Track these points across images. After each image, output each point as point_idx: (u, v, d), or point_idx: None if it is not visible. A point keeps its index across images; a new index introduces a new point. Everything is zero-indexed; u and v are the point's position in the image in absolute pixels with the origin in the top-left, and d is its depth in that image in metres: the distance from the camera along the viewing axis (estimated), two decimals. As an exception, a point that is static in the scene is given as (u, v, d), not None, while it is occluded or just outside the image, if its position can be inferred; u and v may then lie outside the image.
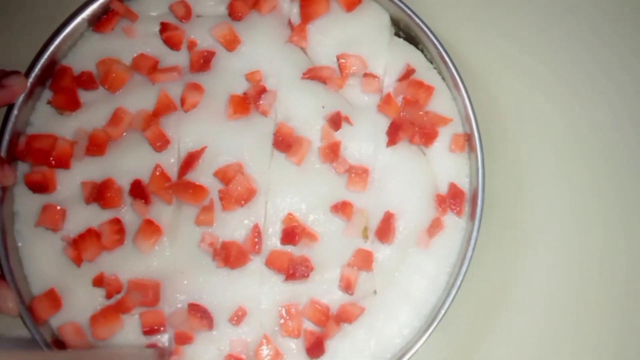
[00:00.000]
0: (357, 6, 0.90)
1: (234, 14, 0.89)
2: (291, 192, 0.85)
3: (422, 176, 0.87)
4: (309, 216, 0.85)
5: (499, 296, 0.91)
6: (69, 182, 0.86)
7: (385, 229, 0.85)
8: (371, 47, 0.89)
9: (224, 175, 0.84)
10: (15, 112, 0.85)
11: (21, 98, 0.85)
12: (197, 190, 0.84)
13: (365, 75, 0.88)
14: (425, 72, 0.90)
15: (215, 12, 0.91)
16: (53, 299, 0.83)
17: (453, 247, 0.86)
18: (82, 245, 0.84)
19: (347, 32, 0.90)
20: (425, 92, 0.88)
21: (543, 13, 0.96)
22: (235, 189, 0.83)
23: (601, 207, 0.93)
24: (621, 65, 0.96)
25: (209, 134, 0.85)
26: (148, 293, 0.82)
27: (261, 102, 0.86)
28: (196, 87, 0.86)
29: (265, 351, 0.83)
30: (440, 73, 0.90)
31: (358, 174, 0.86)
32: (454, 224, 0.87)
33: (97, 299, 0.84)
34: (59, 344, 0.83)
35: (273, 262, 0.84)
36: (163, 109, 0.86)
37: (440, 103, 0.89)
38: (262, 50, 0.88)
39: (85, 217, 0.85)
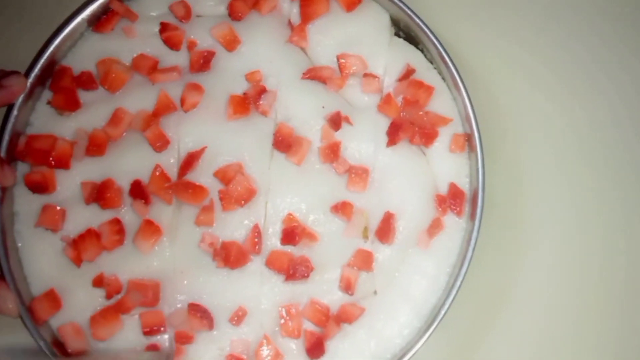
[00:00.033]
0: (357, 6, 0.90)
1: (233, 14, 0.89)
2: (291, 192, 0.85)
3: (422, 176, 0.87)
4: (309, 216, 0.85)
5: (499, 296, 0.91)
6: (69, 183, 0.86)
7: (385, 229, 0.85)
8: (371, 47, 0.89)
9: (224, 176, 0.84)
10: (15, 112, 0.85)
11: (21, 98, 0.85)
12: (197, 191, 0.84)
13: (365, 75, 0.88)
14: (425, 72, 0.90)
15: (215, 12, 0.91)
16: (53, 299, 0.83)
17: (453, 248, 0.86)
18: (82, 246, 0.83)
19: (347, 32, 0.90)
20: (425, 92, 0.88)
21: (543, 13, 0.96)
22: (235, 189, 0.83)
23: (601, 207, 0.93)
24: (621, 65, 0.96)
25: (209, 134, 0.85)
26: (148, 293, 0.82)
27: (261, 102, 0.86)
28: (196, 87, 0.86)
29: (265, 351, 0.83)
30: (440, 73, 0.90)
31: (358, 174, 0.86)
32: (454, 224, 0.87)
33: (97, 300, 0.84)
34: (59, 344, 0.83)
35: (273, 263, 0.84)
36: (163, 109, 0.86)
37: (440, 103, 0.89)
38: (262, 50, 0.88)
39: (85, 217, 0.85)
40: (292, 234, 0.84)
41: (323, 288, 0.85)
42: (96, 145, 0.86)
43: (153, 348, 0.83)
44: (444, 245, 0.86)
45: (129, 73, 0.88)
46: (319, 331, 0.84)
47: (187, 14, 0.89)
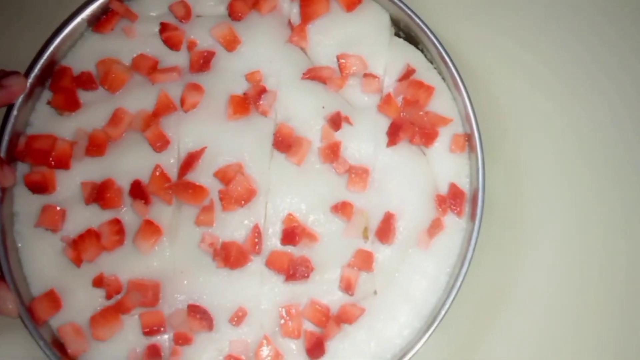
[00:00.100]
0: (357, 6, 0.90)
1: (233, 14, 0.89)
2: (291, 193, 0.85)
3: (422, 176, 0.87)
4: (309, 216, 0.85)
5: (499, 296, 0.91)
6: (69, 183, 0.86)
7: (385, 230, 0.85)
8: (371, 47, 0.89)
9: (224, 176, 0.84)
10: (14, 112, 0.85)
11: (21, 98, 0.85)
12: (197, 191, 0.84)
13: (365, 75, 0.88)
14: (426, 72, 0.90)
15: (215, 12, 0.90)
16: (53, 299, 0.83)
17: (453, 248, 0.86)
18: (81, 246, 0.83)
19: (347, 32, 0.90)
20: (426, 92, 0.88)
21: (543, 13, 0.96)
22: (235, 189, 0.83)
23: (601, 207, 0.93)
24: (621, 65, 0.96)
25: (209, 134, 0.85)
26: (148, 293, 0.82)
27: (261, 102, 0.86)
28: (196, 88, 0.86)
29: (265, 352, 0.83)
30: (440, 73, 0.90)
31: (358, 174, 0.86)
32: (454, 224, 0.87)
33: (96, 300, 0.84)
34: (59, 344, 0.83)
35: (273, 263, 0.84)
36: (163, 109, 0.86)
37: (441, 103, 0.89)
38: (262, 50, 0.88)
39: (85, 217, 0.85)
40: (292, 234, 0.84)
41: (323, 288, 0.85)
42: (96, 146, 0.86)
43: (153, 348, 0.83)
44: (444, 246, 0.86)
45: (128, 73, 0.88)
46: (319, 331, 0.83)
47: (187, 14, 0.89)
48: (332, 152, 0.86)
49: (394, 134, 0.87)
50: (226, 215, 0.84)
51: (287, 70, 0.88)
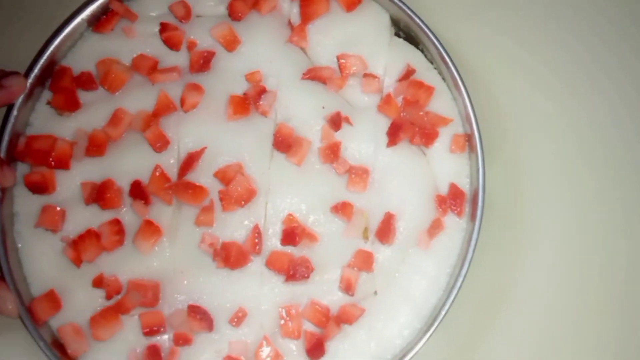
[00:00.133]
0: (357, 6, 0.90)
1: (233, 14, 0.89)
2: (291, 193, 0.85)
3: (422, 177, 0.87)
4: (309, 217, 0.85)
5: (499, 297, 0.91)
6: (69, 183, 0.86)
7: (385, 230, 0.85)
8: (371, 47, 0.89)
9: (224, 176, 0.84)
10: (14, 112, 0.85)
11: (21, 98, 0.85)
12: (197, 191, 0.84)
13: (366, 75, 0.88)
14: (426, 72, 0.90)
15: (215, 12, 0.90)
16: (53, 300, 0.83)
17: (453, 248, 0.86)
18: (81, 246, 0.83)
19: (347, 32, 0.89)
20: (426, 93, 0.88)
21: (543, 13, 0.96)
22: (235, 189, 0.83)
23: (601, 207, 0.93)
24: (621, 65, 0.96)
25: (209, 134, 0.85)
26: (148, 293, 0.82)
27: (261, 102, 0.86)
28: (196, 88, 0.86)
29: (265, 352, 0.83)
30: (440, 73, 0.90)
31: (358, 175, 0.86)
32: (455, 225, 0.87)
33: (96, 300, 0.84)
34: (59, 345, 0.83)
35: (273, 263, 0.83)
36: (163, 109, 0.86)
37: (441, 103, 0.89)
38: (262, 50, 0.88)
39: (85, 217, 0.85)
40: (292, 234, 0.84)
41: (323, 289, 0.84)
42: (96, 146, 0.86)
43: (153, 348, 0.83)
44: (444, 246, 0.86)
45: (128, 73, 0.88)
46: (319, 332, 0.83)
47: (187, 14, 0.89)
48: (332, 153, 0.86)
49: (394, 134, 0.87)
50: (226, 216, 0.84)
51: (287, 70, 0.88)
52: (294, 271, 0.83)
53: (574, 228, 0.93)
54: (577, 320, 0.91)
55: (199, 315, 0.82)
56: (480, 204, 0.85)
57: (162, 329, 0.83)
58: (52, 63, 0.88)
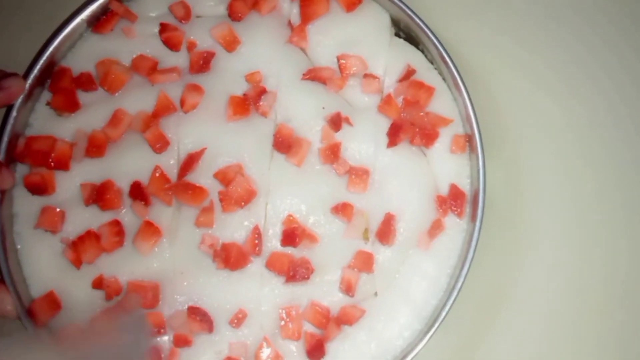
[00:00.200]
0: (357, 6, 0.89)
1: (233, 15, 0.89)
2: (291, 194, 0.85)
3: (422, 177, 0.87)
4: (309, 218, 0.85)
5: (499, 297, 0.91)
6: (68, 184, 0.86)
7: (385, 231, 0.85)
8: (371, 48, 0.89)
9: (224, 177, 0.84)
10: (14, 113, 0.85)
11: (20, 99, 0.85)
12: (196, 192, 0.84)
13: (366, 75, 0.88)
14: (426, 73, 0.90)
15: (214, 13, 0.90)
16: (52, 301, 0.83)
17: (454, 249, 0.86)
18: (81, 247, 0.83)
19: (347, 32, 0.89)
20: (426, 93, 0.88)
21: (544, 13, 0.96)
22: (235, 190, 0.83)
23: (602, 207, 0.93)
24: (622, 66, 0.96)
25: (209, 135, 0.85)
26: (148, 295, 0.82)
27: (261, 103, 0.86)
28: (196, 88, 0.86)
29: (265, 353, 0.83)
30: (440, 73, 0.90)
31: (358, 175, 0.86)
32: (455, 225, 0.87)
33: (96, 301, 0.83)
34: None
35: (273, 264, 0.83)
36: (163, 110, 0.86)
37: (441, 104, 0.89)
38: (261, 50, 0.88)
39: (84, 218, 0.85)
40: (292, 235, 0.83)
41: (323, 290, 0.84)
42: (96, 147, 0.85)
43: (153, 350, 0.83)
44: (445, 247, 0.86)
45: (128, 74, 0.87)
46: (319, 333, 0.83)
47: (186, 15, 0.89)
48: (332, 153, 0.85)
49: (394, 134, 0.86)
50: (226, 217, 0.84)
51: (287, 70, 0.88)
52: (294, 272, 0.83)
53: (574, 228, 0.93)
54: (577, 320, 0.91)
55: (199, 317, 0.82)
56: (480, 204, 0.85)
57: (162, 330, 0.83)
58: (51, 64, 0.88)
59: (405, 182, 0.86)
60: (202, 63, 0.87)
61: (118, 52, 0.88)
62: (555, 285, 0.92)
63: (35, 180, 0.85)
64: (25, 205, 0.86)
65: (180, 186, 0.84)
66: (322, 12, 0.89)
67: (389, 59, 0.89)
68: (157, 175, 0.84)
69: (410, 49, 0.91)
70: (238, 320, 0.82)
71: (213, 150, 0.85)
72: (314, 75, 0.88)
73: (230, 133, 0.85)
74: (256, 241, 0.83)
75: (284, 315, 0.83)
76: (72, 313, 0.83)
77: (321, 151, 0.86)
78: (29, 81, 0.85)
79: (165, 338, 0.83)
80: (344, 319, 0.83)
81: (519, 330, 0.91)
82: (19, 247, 0.85)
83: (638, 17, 0.97)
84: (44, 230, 0.85)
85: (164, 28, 0.88)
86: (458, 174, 0.88)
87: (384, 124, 0.87)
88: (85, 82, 0.87)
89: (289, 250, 0.84)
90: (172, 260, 0.84)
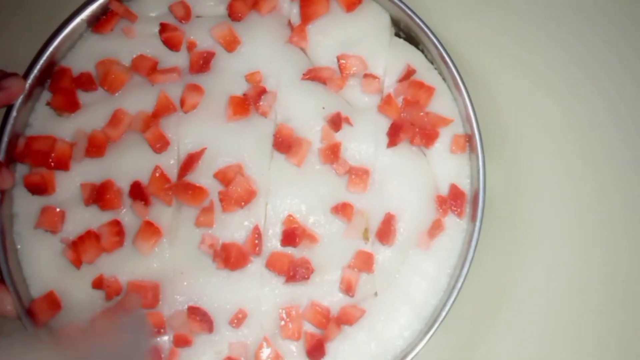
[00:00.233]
0: (357, 6, 0.89)
1: (233, 15, 0.89)
2: (291, 194, 0.85)
3: (422, 177, 0.87)
4: (309, 218, 0.85)
5: (499, 297, 0.91)
6: (68, 184, 0.86)
7: (385, 231, 0.85)
8: (371, 48, 0.89)
9: (224, 177, 0.84)
10: (14, 113, 0.85)
11: (20, 99, 0.85)
12: (196, 192, 0.84)
13: (366, 75, 0.88)
14: (426, 73, 0.89)
15: (214, 13, 0.90)
16: (52, 301, 0.83)
17: (454, 249, 0.86)
18: (81, 247, 0.83)
19: (347, 32, 0.89)
20: (426, 93, 0.88)
21: (544, 13, 0.96)
22: (235, 190, 0.83)
23: (602, 207, 0.93)
24: (622, 66, 0.96)
25: (209, 135, 0.85)
26: (148, 294, 0.82)
27: (261, 103, 0.86)
28: (196, 88, 0.86)
29: (265, 354, 0.83)
30: (440, 73, 0.90)
31: (358, 175, 0.86)
32: (455, 225, 0.87)
33: (96, 301, 0.83)
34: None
35: (273, 264, 0.83)
36: (163, 110, 0.86)
37: (441, 104, 0.89)
38: (261, 50, 0.88)
39: (84, 218, 0.85)
40: (292, 235, 0.83)
41: (323, 290, 0.84)
42: (96, 147, 0.85)
43: (153, 349, 0.83)
44: (445, 247, 0.86)
45: (128, 74, 0.87)
46: (320, 333, 0.83)
47: (186, 15, 0.89)
48: (332, 153, 0.85)
49: (394, 134, 0.86)
50: (226, 217, 0.84)
51: (287, 70, 0.88)
52: (294, 272, 0.83)
53: (574, 228, 0.93)
54: (578, 320, 0.91)
55: (199, 317, 0.82)
56: (480, 204, 0.85)
57: (162, 330, 0.83)
58: (51, 64, 0.88)
59: (405, 182, 0.86)
60: (202, 63, 0.87)
61: (118, 52, 0.88)
62: (555, 285, 0.92)
63: (35, 180, 0.85)
64: (25, 205, 0.86)
65: (180, 186, 0.84)
66: (322, 12, 0.89)
67: (389, 59, 0.89)
68: (157, 175, 0.84)
69: (410, 49, 0.91)
70: (238, 320, 0.82)
71: (213, 150, 0.85)
72: (314, 75, 0.88)
73: (230, 133, 0.85)
74: (256, 241, 0.83)
75: (284, 315, 0.83)
76: (72, 313, 0.83)
77: (321, 151, 0.86)
78: (29, 81, 0.85)
79: (165, 338, 0.83)
80: (344, 319, 0.83)
81: (519, 330, 0.91)
82: (19, 247, 0.85)
83: (638, 17, 0.97)
84: (44, 230, 0.85)
85: (164, 28, 0.88)
86: (458, 174, 0.88)
87: (384, 124, 0.87)
88: (85, 82, 0.87)
89: (289, 250, 0.84)
90: (172, 260, 0.84)
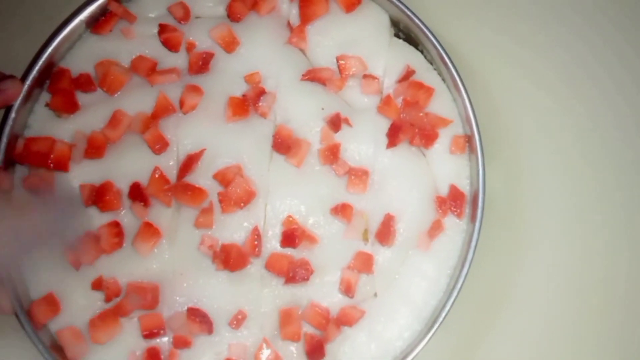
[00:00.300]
0: (357, 7, 0.89)
1: (232, 15, 0.89)
2: (291, 195, 0.85)
3: (422, 178, 0.87)
4: (309, 219, 0.85)
5: (499, 297, 0.91)
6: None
7: (385, 231, 0.85)
8: (371, 48, 0.89)
9: (223, 178, 0.84)
10: (13, 114, 0.85)
11: (19, 101, 0.85)
12: (196, 193, 0.84)
13: (365, 76, 0.88)
14: (425, 73, 0.89)
15: (214, 14, 0.90)
16: (51, 302, 0.83)
17: (454, 249, 0.86)
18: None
19: (346, 33, 0.89)
20: (425, 94, 0.88)
21: (544, 13, 0.96)
22: (235, 191, 0.83)
23: (602, 208, 0.93)
24: (622, 65, 0.95)
25: (208, 136, 0.85)
26: (147, 296, 0.82)
27: (260, 104, 0.86)
28: (195, 89, 0.86)
29: (265, 355, 0.83)
30: (440, 74, 0.89)
31: (358, 176, 0.85)
32: (455, 226, 0.87)
33: (96, 303, 0.83)
34: (58, 348, 0.83)
35: (273, 265, 0.83)
36: (162, 111, 0.86)
37: (441, 104, 0.89)
38: (261, 51, 0.88)
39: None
40: (291, 236, 0.83)
41: (323, 291, 0.84)
42: (95, 148, 0.85)
43: (152, 351, 0.83)
44: (445, 247, 0.86)
45: (127, 75, 0.87)
46: (319, 334, 0.83)
47: (185, 15, 0.89)
48: (331, 154, 0.85)
49: (393, 135, 0.86)
50: (225, 218, 0.84)
51: (286, 71, 0.87)
52: (294, 273, 0.83)
53: (574, 228, 0.93)
54: (578, 320, 0.91)
55: (199, 318, 0.82)
56: (480, 205, 0.85)
57: (161, 332, 0.82)
58: (50, 64, 0.88)
59: (405, 182, 0.86)
60: (201, 64, 0.87)
61: (117, 53, 0.88)
62: (555, 285, 0.92)
63: (34, 181, 0.84)
64: (24, 206, 0.85)
65: (180, 187, 0.84)
66: (322, 12, 0.88)
67: (389, 59, 0.89)
68: (157, 176, 0.84)
69: (410, 49, 0.91)
70: (238, 321, 0.82)
71: (212, 151, 0.84)
72: (313, 76, 0.88)
73: (229, 134, 0.85)
74: (256, 242, 0.83)
75: (283, 317, 0.83)
76: (71, 314, 0.83)
77: (320, 152, 0.86)
78: (28, 82, 0.85)
79: (165, 339, 0.83)
80: (343, 320, 0.83)
81: (519, 330, 0.91)
82: (18, 248, 0.85)
83: (638, 17, 0.97)
84: (43, 231, 0.85)
85: (163, 29, 0.88)
86: (458, 174, 0.88)
87: (384, 124, 0.87)
88: (84, 83, 0.87)
89: (289, 251, 0.84)
90: (172, 262, 0.84)
